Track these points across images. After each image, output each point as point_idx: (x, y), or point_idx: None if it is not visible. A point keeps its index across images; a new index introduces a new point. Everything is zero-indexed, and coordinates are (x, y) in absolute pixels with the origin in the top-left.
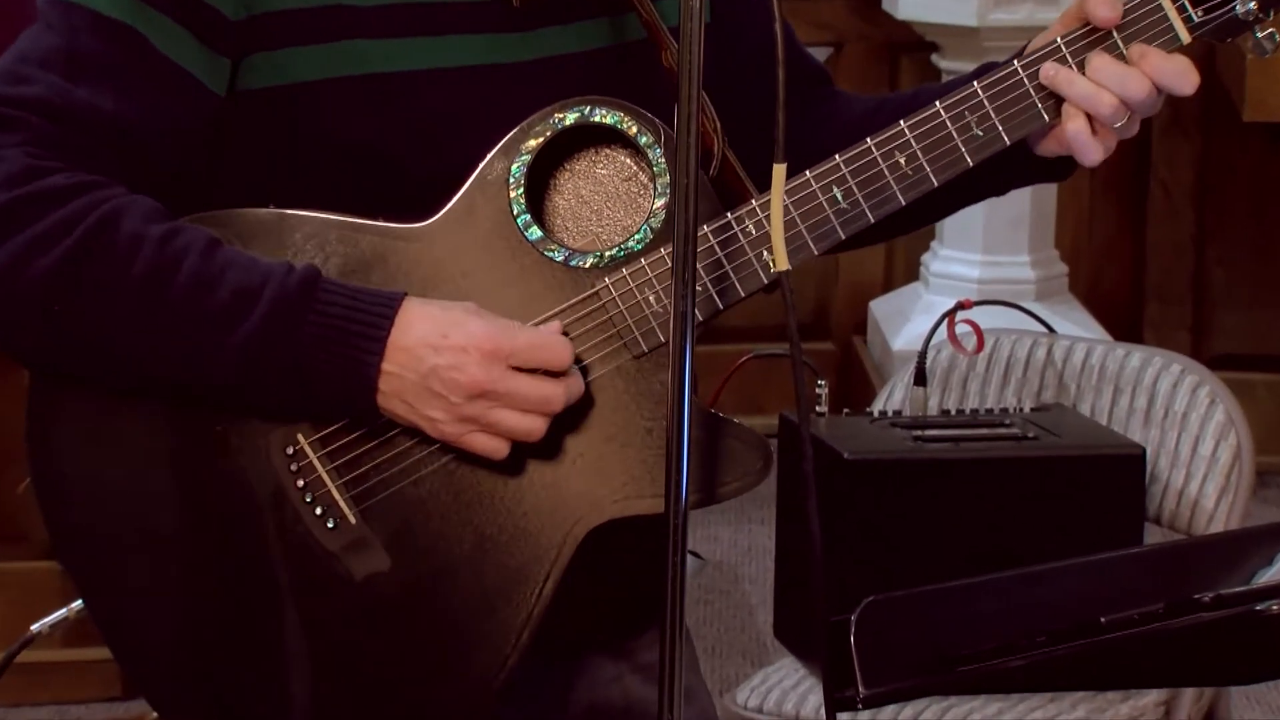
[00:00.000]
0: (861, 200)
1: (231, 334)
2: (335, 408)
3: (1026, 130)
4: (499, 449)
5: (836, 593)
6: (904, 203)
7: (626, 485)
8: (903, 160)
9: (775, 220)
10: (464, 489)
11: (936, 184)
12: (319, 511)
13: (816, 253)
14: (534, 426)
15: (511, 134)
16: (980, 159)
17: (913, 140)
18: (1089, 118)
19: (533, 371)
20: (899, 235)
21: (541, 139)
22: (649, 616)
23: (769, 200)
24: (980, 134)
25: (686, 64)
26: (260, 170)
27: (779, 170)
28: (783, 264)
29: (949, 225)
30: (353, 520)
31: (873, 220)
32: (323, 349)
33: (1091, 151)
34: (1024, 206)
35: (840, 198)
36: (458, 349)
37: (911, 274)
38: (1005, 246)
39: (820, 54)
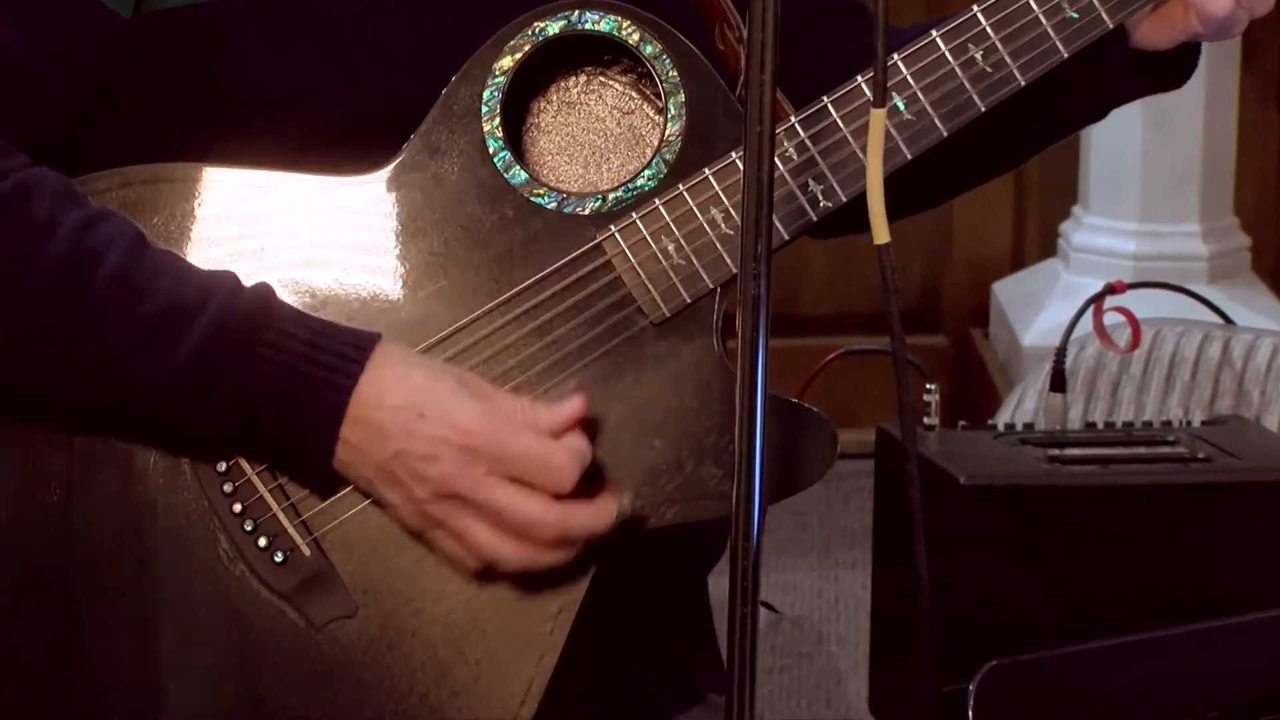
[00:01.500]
0: (929, 109)
1: (160, 357)
2: (275, 461)
3: (1136, 4)
4: (463, 559)
5: (950, 655)
6: (983, 108)
7: (655, 488)
8: (979, 55)
9: (873, 179)
10: None
11: (1023, 82)
12: (263, 543)
13: None
14: (510, 553)
15: (479, 52)
16: (1076, 48)
17: (990, 29)
18: None
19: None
20: (976, 178)
21: (518, 56)
22: (700, 681)
23: (811, 116)
24: (1075, 15)
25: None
26: (160, 121)
27: (878, 116)
28: (883, 234)
29: (1095, 185)
30: (306, 552)
31: (945, 132)
32: (272, 394)
33: (1220, 10)
34: (1192, 159)
35: (903, 106)
36: (433, 438)
37: (1047, 247)
38: (1169, 212)
39: None
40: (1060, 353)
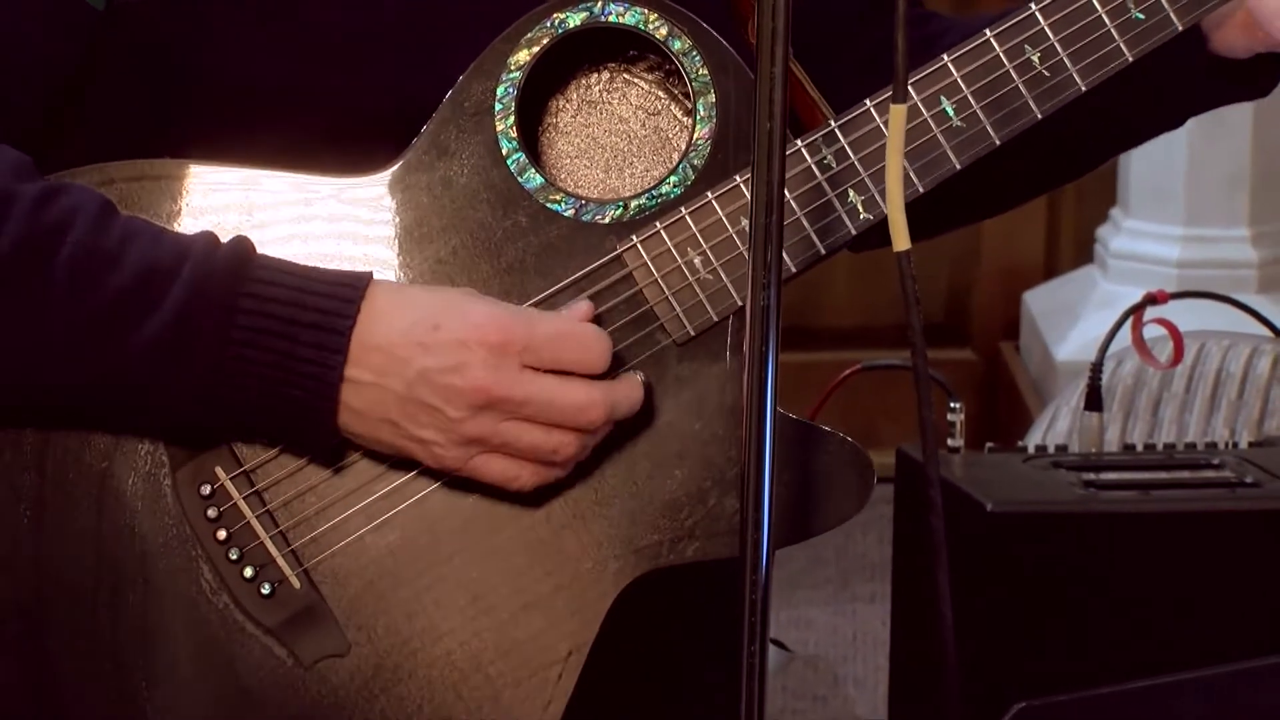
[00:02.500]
0: (981, 114)
1: (134, 328)
2: (278, 430)
3: (1207, 5)
4: (518, 475)
5: (976, 697)
6: (1040, 115)
7: (674, 521)
8: (1036, 57)
9: (893, 184)
10: (447, 535)
11: (1084, 87)
12: (249, 574)
13: (923, 189)
14: (563, 444)
15: (493, 45)
16: (1141, 51)
17: (1048, 29)
18: None
19: (559, 372)
20: (1038, 187)
21: (535, 50)
22: None
23: (852, 120)
24: (1140, 15)
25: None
26: (142, 115)
27: (898, 112)
28: (903, 241)
29: (1136, 187)
30: (296, 584)
31: (997, 141)
32: (260, 349)
33: None
34: (1241, 158)
35: (952, 112)
36: (455, 344)
37: (1083, 254)
38: (1217, 216)
39: None
40: (1096, 368)
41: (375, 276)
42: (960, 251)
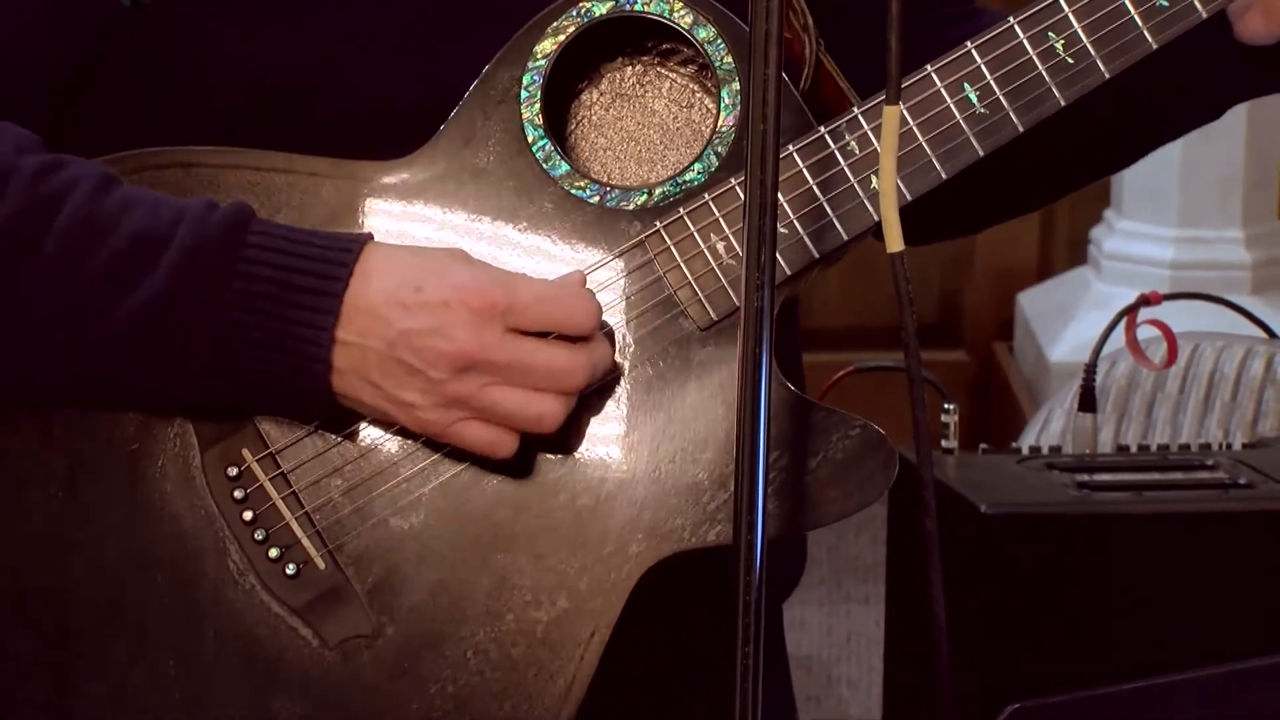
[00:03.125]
0: (1004, 101)
1: (128, 292)
2: (271, 395)
3: None
4: (498, 441)
5: (970, 699)
6: (1063, 102)
7: (697, 506)
8: (1060, 44)
9: (886, 180)
10: (472, 518)
11: (1107, 75)
12: (274, 554)
13: (945, 176)
14: (546, 410)
15: (520, 33)
16: (1165, 38)
17: (1072, 16)
18: None
19: (543, 336)
20: (1073, 183)
21: (562, 39)
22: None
23: (876, 107)
24: (1165, 3)
25: None
26: (142, 122)
27: (890, 114)
28: (896, 244)
29: (1128, 188)
30: (321, 565)
31: (1021, 128)
32: (253, 312)
33: None
34: (1234, 160)
35: (975, 99)
36: (437, 305)
37: (1077, 255)
38: (1210, 217)
39: None
40: (1090, 369)
41: (372, 237)
42: (954, 252)
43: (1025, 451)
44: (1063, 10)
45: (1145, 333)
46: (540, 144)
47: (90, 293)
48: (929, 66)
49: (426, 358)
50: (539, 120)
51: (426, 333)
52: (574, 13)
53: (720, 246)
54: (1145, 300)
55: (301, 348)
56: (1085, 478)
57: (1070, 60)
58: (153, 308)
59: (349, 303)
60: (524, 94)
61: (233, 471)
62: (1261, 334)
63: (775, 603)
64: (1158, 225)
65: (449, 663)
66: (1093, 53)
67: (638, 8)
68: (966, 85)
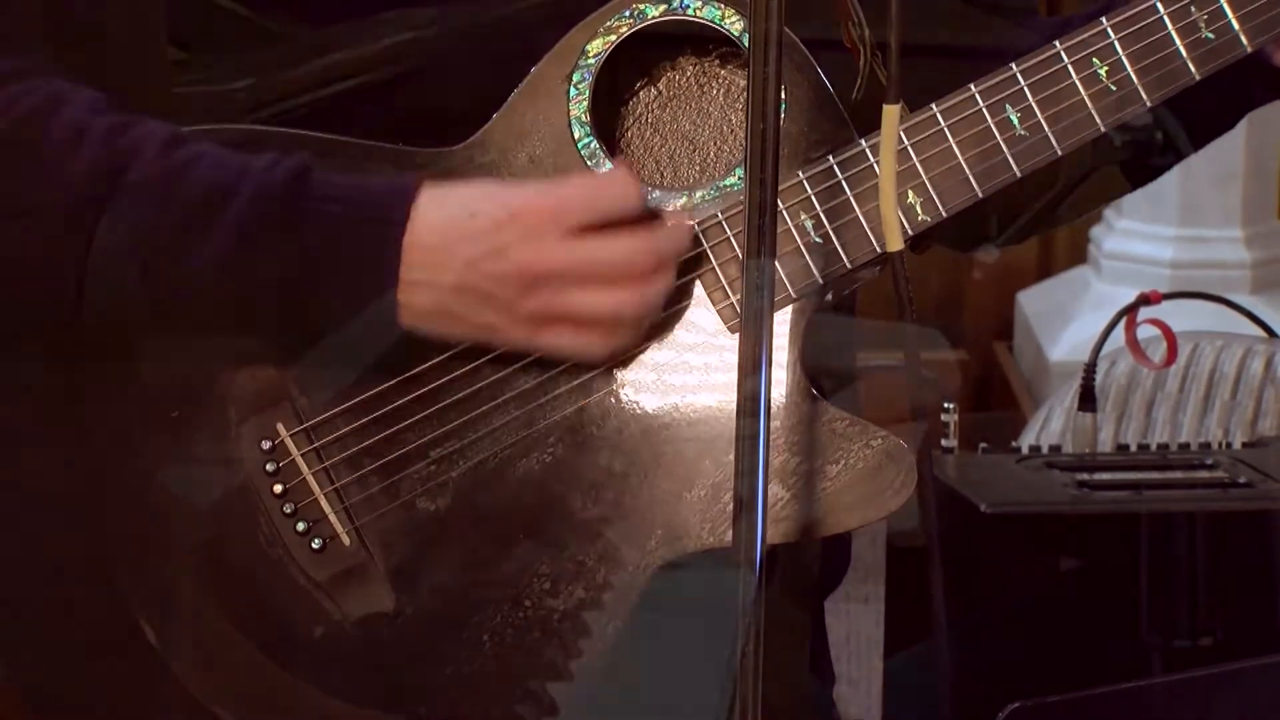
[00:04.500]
0: (1045, 124)
1: (205, 239)
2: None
3: (1278, 29)
4: (590, 342)
5: (970, 698)
6: (1103, 128)
7: (719, 504)
8: (1103, 71)
9: (885, 179)
10: (497, 505)
11: (1149, 103)
12: (301, 527)
13: (981, 193)
14: (624, 300)
15: (572, 31)
16: (1208, 71)
17: (1118, 44)
18: None
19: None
20: (1100, 200)
21: (612, 39)
22: (816, 711)
23: (919, 124)
24: (1210, 35)
25: None
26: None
27: (890, 112)
28: (896, 242)
29: None
30: (346, 541)
31: (1059, 151)
32: (320, 253)
33: None
34: (1234, 159)
35: (1016, 120)
36: (492, 228)
37: (1077, 254)
38: (1209, 216)
39: None
40: (1090, 369)
41: (425, 181)
42: (953, 252)
43: (1025, 451)
44: (1109, 38)
45: (1145, 332)
46: (585, 141)
47: (159, 245)
48: (972, 86)
49: (495, 280)
50: (586, 118)
51: (488, 256)
52: (627, 13)
53: None
54: (1145, 299)
55: (374, 278)
56: (1085, 477)
57: (1113, 87)
58: (224, 253)
59: (409, 242)
60: (573, 91)
61: (266, 445)
62: (1261, 333)
63: (819, 598)
64: (1157, 224)
65: (467, 644)
66: (1135, 80)
67: (690, 12)
68: (1008, 106)
